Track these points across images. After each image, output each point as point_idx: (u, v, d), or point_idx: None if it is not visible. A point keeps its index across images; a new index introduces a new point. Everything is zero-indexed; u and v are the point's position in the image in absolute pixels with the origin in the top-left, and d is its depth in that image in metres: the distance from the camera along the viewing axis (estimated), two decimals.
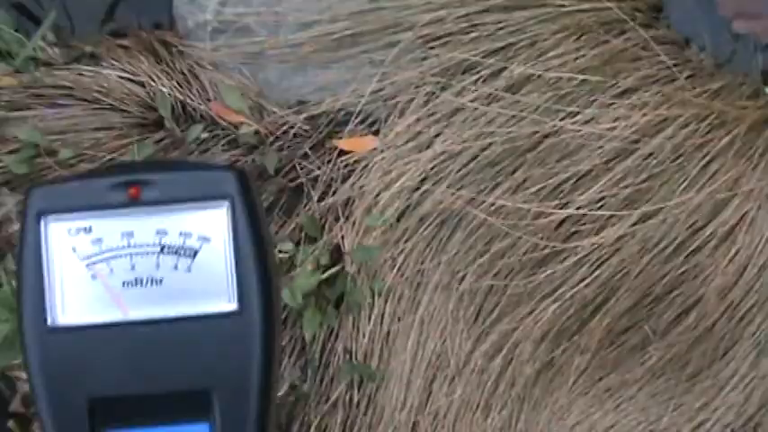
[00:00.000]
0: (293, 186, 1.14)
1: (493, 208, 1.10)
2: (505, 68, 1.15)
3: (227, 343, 0.51)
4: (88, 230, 0.52)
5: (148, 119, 1.17)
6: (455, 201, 1.10)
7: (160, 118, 1.17)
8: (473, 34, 1.16)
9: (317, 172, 1.14)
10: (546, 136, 1.12)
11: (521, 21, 1.16)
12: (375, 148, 1.14)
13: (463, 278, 1.10)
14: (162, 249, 0.52)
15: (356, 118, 1.15)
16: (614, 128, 1.10)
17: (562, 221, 1.10)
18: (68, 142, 1.14)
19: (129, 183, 0.52)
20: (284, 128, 1.16)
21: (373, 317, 1.08)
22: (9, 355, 1.07)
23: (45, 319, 0.51)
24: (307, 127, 1.16)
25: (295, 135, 1.16)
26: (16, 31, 1.19)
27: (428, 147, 1.13)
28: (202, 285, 0.52)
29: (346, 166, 1.14)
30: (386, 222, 1.09)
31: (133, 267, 0.52)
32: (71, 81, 1.16)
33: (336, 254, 1.10)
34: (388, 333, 1.09)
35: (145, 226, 0.52)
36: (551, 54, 1.15)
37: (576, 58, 1.14)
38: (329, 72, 1.18)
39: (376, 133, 1.16)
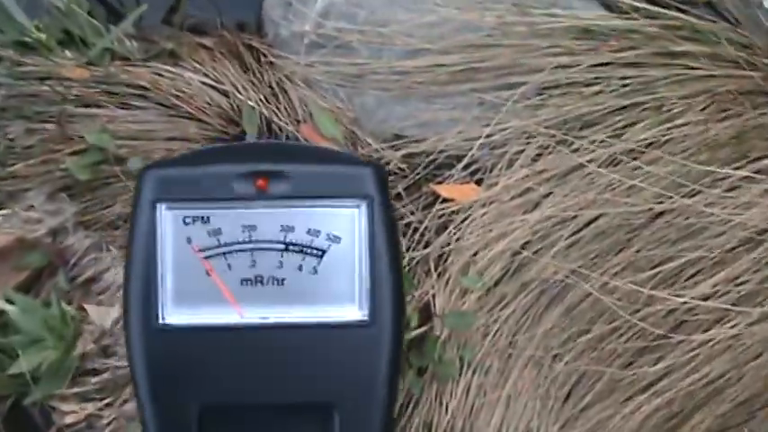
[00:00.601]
0: None
1: (598, 285, 1.00)
2: (627, 131, 1.05)
3: (355, 354, 0.48)
4: (206, 220, 0.48)
5: (229, 134, 1.05)
6: (558, 271, 1.00)
7: (242, 134, 1.05)
8: (596, 88, 1.06)
9: (411, 218, 1.03)
10: (664, 212, 1.02)
11: (649, 80, 1.06)
12: (476, 200, 1.04)
13: (557, 356, 1.01)
14: (286, 247, 0.48)
15: (459, 163, 1.05)
16: (742, 214, 1.01)
17: (673, 309, 1.00)
18: (138, 150, 1.02)
19: (256, 174, 0.48)
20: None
21: (459, 389, 0.98)
22: (53, 385, 0.96)
23: (155, 317, 0.47)
24: (403, 165, 1.05)
25: (389, 173, 1.05)
26: (89, 14, 1.07)
27: (536, 207, 1.03)
28: (329, 289, 0.48)
29: (442, 215, 1.04)
30: (484, 286, 0.99)
31: (253, 264, 0.48)
32: (148, 81, 1.04)
33: (425, 313, 1.00)
34: (473, 407, 0.99)
35: (269, 220, 0.48)
36: (679, 121, 1.05)
37: (706, 130, 1.05)
38: (434, 107, 1.07)
39: (478, 182, 1.05)
